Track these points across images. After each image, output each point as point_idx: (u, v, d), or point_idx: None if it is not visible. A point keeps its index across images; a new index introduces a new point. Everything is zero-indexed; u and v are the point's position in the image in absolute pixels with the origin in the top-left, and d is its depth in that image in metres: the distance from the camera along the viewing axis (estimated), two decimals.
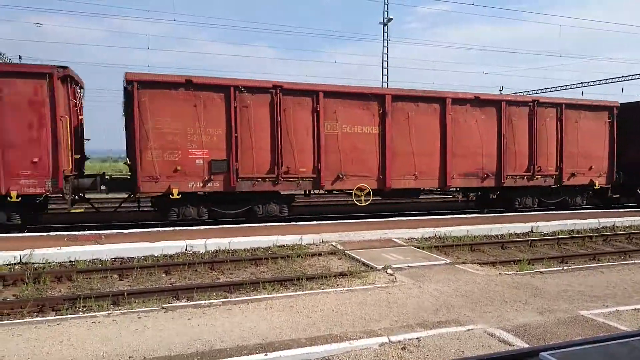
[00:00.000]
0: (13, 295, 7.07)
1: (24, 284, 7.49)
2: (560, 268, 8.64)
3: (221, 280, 8.01)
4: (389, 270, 8.12)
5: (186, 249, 9.50)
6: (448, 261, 8.89)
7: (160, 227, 11.80)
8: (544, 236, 12.00)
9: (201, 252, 9.49)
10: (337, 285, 7.47)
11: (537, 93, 46.72)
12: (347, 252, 9.59)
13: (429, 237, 11.30)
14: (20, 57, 42.49)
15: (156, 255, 9.19)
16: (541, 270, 8.43)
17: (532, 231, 12.51)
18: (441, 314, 5.98)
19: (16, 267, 8.36)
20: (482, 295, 6.82)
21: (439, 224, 12.27)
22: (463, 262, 9.02)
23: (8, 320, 5.98)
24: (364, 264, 8.67)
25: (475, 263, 9.07)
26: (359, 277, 7.79)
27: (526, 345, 5.00)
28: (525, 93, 46.00)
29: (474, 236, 11.67)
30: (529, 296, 6.79)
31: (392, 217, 13.81)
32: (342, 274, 7.95)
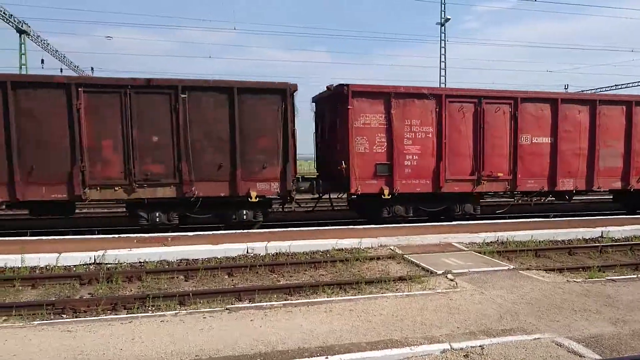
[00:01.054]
0: (88, 294, 7.52)
1: (98, 283, 7.94)
2: (635, 276, 8.16)
3: (281, 282, 8.17)
4: (450, 276, 7.98)
5: (247, 252, 9.75)
6: (511, 267, 8.62)
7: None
8: (616, 242, 11.37)
9: (262, 254, 9.71)
10: (397, 289, 7.43)
11: (607, 90, 44.33)
12: (406, 256, 9.50)
13: (491, 242, 10.99)
14: (92, 69, 45.13)
15: (219, 257, 9.48)
16: (613, 278, 8.01)
17: (602, 236, 11.89)
18: (505, 322, 5.82)
19: (91, 267, 8.88)
20: (548, 303, 6.57)
21: (501, 229, 11.92)
22: (527, 268, 8.71)
23: (85, 317, 6.38)
24: (423, 268, 8.56)
25: (540, 269, 8.74)
26: (419, 282, 7.71)
27: (598, 357, 4.78)
28: (593, 91, 43.79)
29: (539, 241, 11.23)
30: (601, 305, 6.47)
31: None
32: (402, 279, 7.90)
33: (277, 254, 9.80)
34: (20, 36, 32.41)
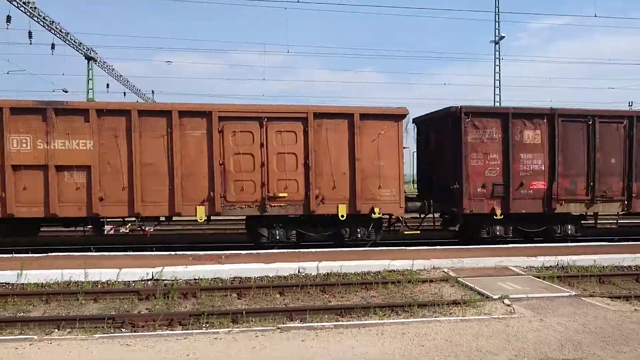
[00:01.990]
0: (146, 309, 7.76)
1: (155, 298, 8.19)
2: None
3: (333, 303, 8.14)
4: (506, 301, 7.70)
5: (299, 271, 9.80)
6: (573, 293, 8.21)
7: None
8: None
9: (313, 274, 9.73)
10: (450, 314, 7.23)
11: None
12: (460, 279, 9.26)
13: (550, 267, 10.52)
14: (153, 92, 47.28)
15: (271, 276, 9.57)
16: None
17: None
18: (567, 351, 5.54)
19: (149, 283, 9.19)
20: (614, 332, 6.20)
21: (562, 252, 11.39)
22: (590, 295, 8.28)
23: (142, 331, 6.59)
24: (478, 292, 8.30)
25: (605, 297, 8.27)
26: (474, 307, 7.48)
27: None
28: None
29: (603, 266, 10.65)
30: None
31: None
32: (455, 302, 7.69)
33: (328, 274, 9.79)
34: (88, 63, 34.49)
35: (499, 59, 36.41)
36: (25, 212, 11.12)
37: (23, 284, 8.95)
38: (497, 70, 36.46)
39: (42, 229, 12.80)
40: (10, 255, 10.91)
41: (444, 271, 10.00)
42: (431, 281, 9.28)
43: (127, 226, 12.72)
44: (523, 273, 9.85)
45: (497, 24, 36.29)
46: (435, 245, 12.85)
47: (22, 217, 11.17)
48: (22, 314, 7.51)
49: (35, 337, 6.12)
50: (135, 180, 11.34)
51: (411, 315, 7.24)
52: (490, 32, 34.65)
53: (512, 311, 7.19)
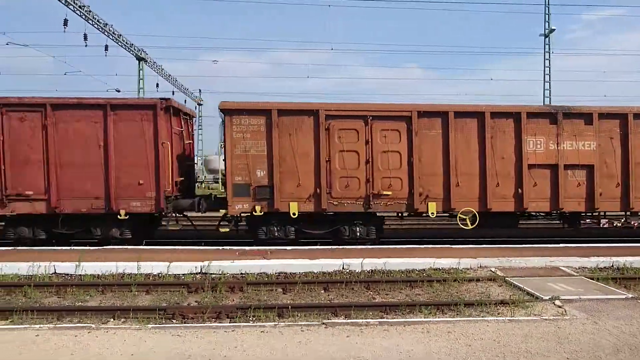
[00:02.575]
0: (195, 301, 8.00)
1: (204, 291, 8.43)
2: None
3: (377, 300, 8.13)
4: (557, 302, 7.47)
5: (343, 267, 9.84)
6: (630, 296, 7.88)
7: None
8: None
9: (357, 271, 9.74)
10: (498, 314, 7.09)
11: None
12: (508, 279, 9.04)
13: (605, 267, 10.11)
14: (200, 91, 48.43)
15: (315, 272, 9.66)
16: None
17: None
18: (623, 356, 5.34)
19: (197, 276, 9.46)
20: None
21: (618, 253, 10.92)
22: None
23: (192, 323, 6.80)
24: (527, 293, 8.09)
25: None
26: (523, 307, 7.30)
27: None
28: None
29: None
30: None
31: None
32: (504, 302, 7.52)
33: (372, 271, 9.78)
34: (139, 63, 35.69)
35: (549, 53, 35.17)
36: (534, 207, 12.49)
37: (81, 275, 9.41)
38: (547, 64, 35.24)
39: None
40: (69, 247, 11.49)
41: (491, 270, 9.80)
42: (478, 280, 9.11)
43: (621, 221, 13.37)
44: (575, 274, 9.52)
45: (547, 16, 35.06)
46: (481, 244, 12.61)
47: (531, 211, 12.64)
48: (80, 303, 7.90)
49: (93, 325, 6.43)
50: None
51: (457, 315, 7.15)
52: (540, 25, 33.50)
53: (564, 313, 6.98)
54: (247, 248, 11.51)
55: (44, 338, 5.86)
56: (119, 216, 11.66)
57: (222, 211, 12.10)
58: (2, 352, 5.39)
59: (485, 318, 6.76)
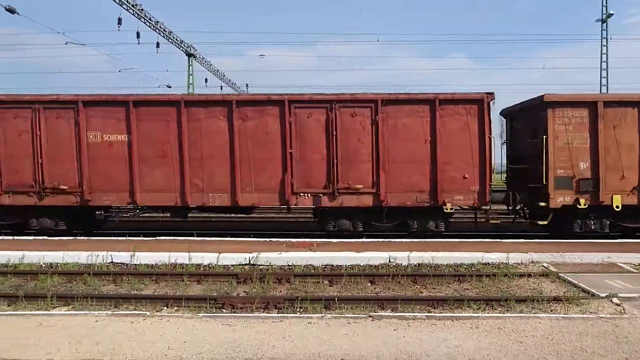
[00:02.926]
0: (244, 292, 8.18)
1: (252, 282, 8.60)
2: None
3: (424, 294, 8.06)
4: (615, 300, 7.16)
5: (389, 261, 9.79)
6: None
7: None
8: None
9: (404, 264, 9.67)
10: (551, 310, 6.88)
11: None
12: (562, 275, 8.74)
13: None
14: (247, 86, 49.09)
15: (362, 265, 9.66)
16: None
17: None
18: None
19: (246, 267, 9.66)
20: None
21: None
22: None
23: (241, 313, 6.97)
24: (582, 289, 7.80)
25: None
26: (577, 305, 7.05)
27: None
28: None
29: None
30: None
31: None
32: (557, 299, 7.29)
33: (419, 264, 9.68)
34: (188, 59, 36.54)
35: (607, 39, 33.47)
36: None
37: (136, 264, 9.80)
38: (604, 51, 33.57)
39: None
40: (125, 237, 11.97)
41: (543, 265, 9.50)
42: (529, 275, 8.86)
43: None
44: (635, 271, 9.09)
45: (604, 0, 33.35)
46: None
47: None
48: (135, 291, 8.24)
49: (148, 313, 6.70)
50: None
51: (508, 310, 6.98)
52: (597, 10, 31.94)
53: (622, 311, 6.69)
54: (294, 240, 11.64)
55: (103, 324, 6.15)
56: (445, 209, 11.99)
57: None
58: (66, 336, 5.70)
59: (538, 315, 6.58)
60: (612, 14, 33.35)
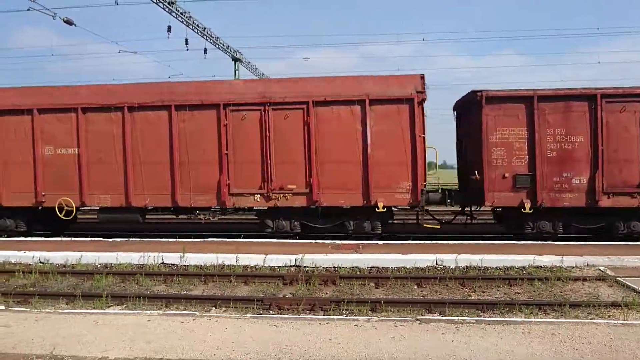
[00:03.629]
0: (290, 293, 8.24)
1: (298, 284, 8.66)
2: None
3: (473, 297, 7.88)
4: None
5: (436, 263, 9.63)
6: None
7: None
8: None
9: (451, 267, 9.48)
10: (609, 316, 6.58)
11: None
12: (620, 279, 8.35)
13: None
14: None
15: (408, 267, 9.53)
16: None
17: None
18: None
19: (292, 269, 9.73)
20: None
21: None
22: None
23: (287, 314, 7.02)
24: None
25: None
26: (638, 311, 6.71)
27: None
28: None
29: None
30: None
31: None
32: (615, 304, 6.96)
33: (467, 267, 9.46)
34: (235, 63, 37.21)
35: None
36: None
37: (185, 265, 10.06)
38: None
39: None
40: (175, 239, 12.32)
41: (599, 269, 9.09)
42: (584, 279, 8.51)
43: None
44: None
45: None
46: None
47: None
48: (185, 292, 8.46)
49: (197, 313, 6.86)
50: None
51: (562, 315, 6.73)
52: None
53: None
54: (339, 242, 11.63)
55: (155, 323, 6.34)
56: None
57: None
58: (120, 335, 5.91)
59: (594, 320, 6.30)
60: None
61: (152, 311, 6.99)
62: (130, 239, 12.58)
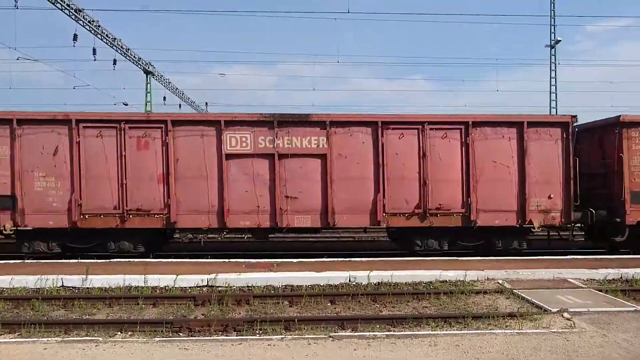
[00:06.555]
0: (202, 314, 8.00)
1: (210, 304, 8.42)
2: None
3: (384, 313, 8.11)
4: (566, 314, 7.42)
5: (349, 280, 9.81)
6: (639, 308, 7.81)
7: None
8: None
9: (364, 283, 9.70)
10: (506, 326, 7.05)
11: None
12: (516, 291, 8.99)
13: (613, 279, 10.03)
14: (206, 104, 48.63)
15: (322, 284, 9.62)
16: None
17: None
18: None
19: (204, 289, 9.46)
20: None
21: (627, 265, 10.84)
22: None
23: (199, 336, 6.80)
24: (535, 305, 8.04)
25: None
26: (531, 320, 7.26)
27: None
28: None
29: None
30: None
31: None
32: (511, 315, 7.48)
33: (379, 283, 9.74)
34: (146, 76, 35.99)
35: (555, 64, 35.18)
36: None
37: (88, 288, 9.43)
38: (552, 75, 35.24)
39: None
40: (77, 260, 11.53)
41: (498, 282, 9.75)
42: (485, 292, 9.06)
43: None
44: (583, 286, 9.45)
45: (552, 27, 35.15)
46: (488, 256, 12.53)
47: None
48: (87, 316, 7.92)
49: (100, 339, 6.45)
50: None
51: (465, 327, 7.11)
52: (545, 36, 33.58)
53: (573, 325, 6.93)
54: (253, 261, 11.50)
55: (52, 351, 5.88)
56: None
57: None
58: None
59: (493, 331, 6.72)
60: (560, 40, 35.12)
61: (50, 338, 6.46)
62: (26, 261, 11.60)
